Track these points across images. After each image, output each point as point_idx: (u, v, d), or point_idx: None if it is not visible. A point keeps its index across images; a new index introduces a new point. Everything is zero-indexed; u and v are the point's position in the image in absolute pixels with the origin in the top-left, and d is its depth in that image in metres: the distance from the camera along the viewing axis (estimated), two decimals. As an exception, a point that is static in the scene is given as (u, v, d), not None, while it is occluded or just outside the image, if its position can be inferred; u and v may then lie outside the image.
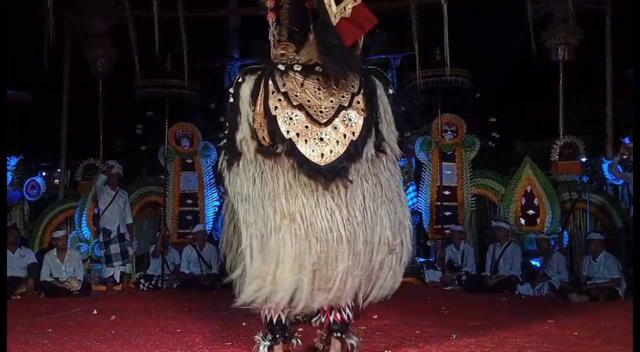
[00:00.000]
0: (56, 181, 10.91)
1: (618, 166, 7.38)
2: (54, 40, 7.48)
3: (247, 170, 3.25)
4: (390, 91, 3.37)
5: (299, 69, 3.27)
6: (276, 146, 3.17)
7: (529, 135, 10.89)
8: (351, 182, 3.16)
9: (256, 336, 3.45)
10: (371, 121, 3.24)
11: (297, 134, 3.15)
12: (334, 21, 3.10)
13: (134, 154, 10.09)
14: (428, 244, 9.51)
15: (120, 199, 8.45)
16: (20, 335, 4.53)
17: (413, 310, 5.79)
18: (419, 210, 9.40)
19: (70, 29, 9.29)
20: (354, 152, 3.17)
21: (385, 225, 3.22)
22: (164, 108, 9.01)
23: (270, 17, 3.43)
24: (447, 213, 9.05)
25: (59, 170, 10.51)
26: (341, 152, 3.15)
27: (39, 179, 9.59)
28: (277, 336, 3.38)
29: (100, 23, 9.17)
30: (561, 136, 8.88)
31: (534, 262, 8.09)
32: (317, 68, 3.27)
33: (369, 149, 3.23)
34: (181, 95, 8.79)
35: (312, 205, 3.11)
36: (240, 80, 3.31)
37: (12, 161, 9.11)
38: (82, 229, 8.99)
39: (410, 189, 9.65)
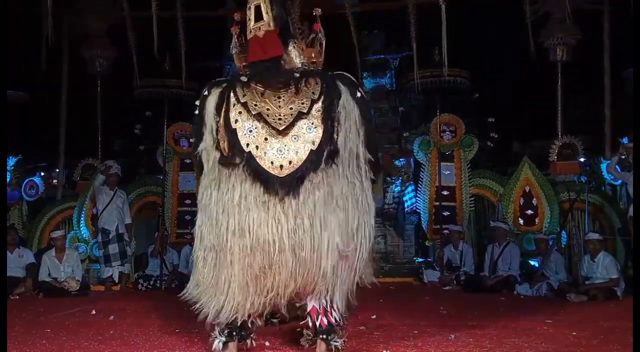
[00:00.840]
0: (54, 181, 10.89)
1: (617, 166, 7.38)
2: (52, 40, 7.47)
3: (206, 180, 3.37)
4: (358, 94, 3.37)
5: (257, 80, 3.31)
6: (235, 158, 3.23)
7: (528, 135, 10.89)
8: (305, 192, 3.20)
9: (213, 331, 3.52)
10: (330, 129, 3.25)
11: (257, 147, 3.22)
12: (248, 36, 3.19)
13: (133, 154, 10.08)
14: (427, 244, 9.52)
15: (118, 199, 8.45)
16: (19, 335, 4.53)
17: (412, 310, 5.80)
18: (418, 210, 9.40)
19: (68, 28, 9.27)
20: (313, 161, 3.22)
21: (334, 231, 3.25)
22: (163, 108, 9.01)
23: (234, 30, 3.49)
24: (445, 213, 9.05)
25: (57, 170, 10.49)
26: (300, 163, 3.20)
27: (37, 179, 9.57)
28: (234, 333, 3.47)
29: (98, 23, 9.16)
30: (559, 136, 8.89)
31: (532, 263, 8.10)
32: (283, 75, 3.31)
33: (328, 157, 3.25)
34: (180, 95, 8.79)
35: (261, 217, 3.20)
36: (206, 93, 3.39)
37: (10, 161, 9.09)
38: (81, 229, 8.99)
39: (409, 189, 9.66)
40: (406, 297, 7.11)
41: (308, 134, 3.23)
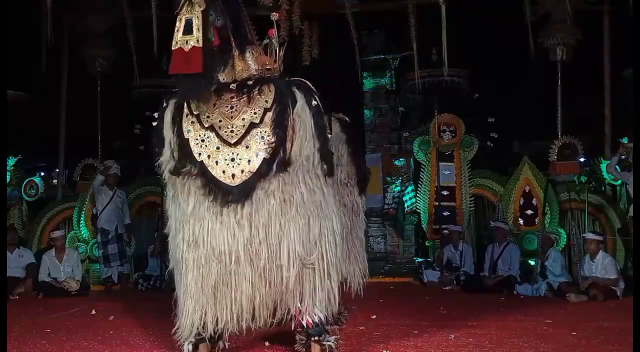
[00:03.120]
0: (54, 181, 10.89)
1: (616, 166, 7.38)
2: (52, 40, 7.49)
3: (168, 191, 3.42)
4: (314, 102, 3.32)
5: (212, 89, 3.27)
6: (188, 168, 3.23)
7: (528, 135, 10.90)
8: (258, 201, 3.19)
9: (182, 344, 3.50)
10: (283, 136, 3.21)
11: (209, 156, 3.21)
12: (173, 46, 3.15)
13: (133, 154, 10.07)
14: (427, 244, 9.52)
15: (118, 199, 8.45)
16: (19, 335, 4.53)
17: (412, 310, 5.80)
18: (418, 210, 9.41)
19: (68, 28, 9.27)
20: (266, 170, 3.19)
21: (294, 240, 3.22)
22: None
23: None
24: (445, 213, 9.05)
25: (57, 170, 10.50)
26: (253, 171, 3.18)
27: (37, 179, 9.57)
28: (204, 335, 3.43)
29: (98, 23, 9.16)
30: (559, 136, 8.90)
31: (532, 263, 8.10)
32: (231, 86, 3.28)
33: (282, 165, 3.22)
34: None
35: (215, 228, 3.19)
36: (164, 105, 3.39)
37: (10, 161, 9.09)
38: (81, 229, 8.99)
39: (409, 189, 9.66)
40: (406, 297, 7.12)
41: (260, 143, 3.21)
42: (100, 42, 9.25)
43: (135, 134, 9.49)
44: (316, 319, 3.34)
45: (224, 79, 3.32)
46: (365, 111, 10.69)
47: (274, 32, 3.47)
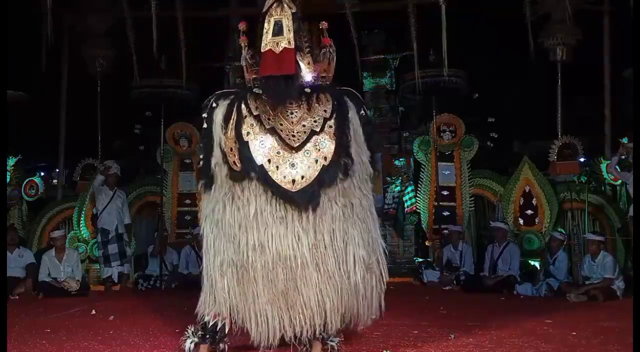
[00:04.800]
0: (54, 181, 10.89)
1: (616, 166, 7.39)
2: (52, 40, 7.48)
3: (218, 194, 3.32)
4: (363, 112, 3.41)
5: (266, 94, 3.28)
6: (248, 172, 3.21)
7: (528, 135, 10.90)
8: (321, 207, 3.21)
9: (187, 330, 3.51)
10: (343, 145, 3.27)
11: (269, 161, 3.21)
12: (263, 48, 3.16)
13: (133, 154, 10.07)
14: (427, 244, 9.52)
15: (118, 199, 8.44)
16: (19, 335, 4.53)
17: (411, 310, 5.79)
18: (418, 210, 9.41)
19: (68, 28, 9.27)
20: (325, 177, 3.23)
21: (359, 244, 3.27)
22: (161, 108, 9.00)
23: (243, 41, 3.46)
24: (445, 213, 9.05)
25: (57, 170, 10.50)
26: (313, 178, 3.21)
27: (37, 179, 9.57)
28: (207, 336, 3.43)
29: (98, 23, 9.16)
30: (559, 136, 8.90)
31: (532, 262, 8.10)
32: (294, 94, 3.31)
33: (340, 173, 3.27)
34: (177, 95, 8.76)
35: (280, 233, 3.19)
36: (214, 105, 3.36)
37: (10, 161, 9.09)
38: (81, 229, 8.99)
39: (409, 189, 9.66)
40: (406, 297, 7.11)
41: (321, 150, 3.25)
42: (100, 42, 9.25)
43: (135, 134, 9.50)
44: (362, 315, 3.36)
45: None
46: (365, 111, 10.68)
47: (329, 40, 3.51)
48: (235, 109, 3.29)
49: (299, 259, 3.17)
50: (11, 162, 9.09)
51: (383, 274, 3.42)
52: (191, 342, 3.45)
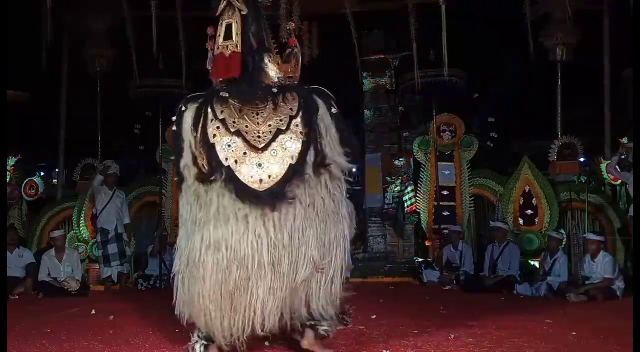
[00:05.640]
0: (54, 181, 10.89)
1: (616, 166, 7.39)
2: (52, 40, 7.48)
3: (186, 195, 3.37)
4: (334, 110, 3.39)
5: (235, 97, 3.31)
6: (214, 174, 3.23)
7: (528, 135, 10.89)
8: (286, 207, 3.21)
9: (193, 335, 3.51)
10: (310, 143, 3.27)
11: (236, 161, 3.22)
12: (215, 51, 3.21)
13: (133, 154, 10.07)
14: (427, 244, 9.53)
15: (117, 199, 8.44)
16: (19, 335, 4.53)
17: (411, 310, 5.79)
18: (418, 210, 9.41)
19: (68, 28, 9.27)
20: (292, 176, 3.23)
21: (312, 245, 3.26)
22: (160, 108, 9.01)
23: (209, 45, 3.49)
24: (445, 213, 9.06)
25: (57, 170, 10.50)
26: (280, 177, 3.21)
27: (37, 179, 9.57)
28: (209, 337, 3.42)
29: (98, 23, 9.16)
30: (559, 136, 8.90)
31: (532, 263, 8.10)
32: (259, 93, 3.32)
33: (308, 172, 3.26)
34: (176, 95, 8.74)
35: (240, 231, 3.19)
36: (183, 109, 3.39)
37: (10, 161, 9.09)
38: (81, 229, 8.99)
39: (409, 189, 9.66)
40: (406, 297, 7.12)
41: (288, 149, 3.25)
42: (100, 42, 9.25)
43: (135, 134, 9.50)
44: (315, 313, 3.35)
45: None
46: (365, 111, 10.69)
47: (295, 41, 3.51)
48: (202, 113, 3.32)
49: (257, 258, 3.18)
50: (11, 162, 9.09)
51: (338, 273, 3.39)
52: (201, 346, 3.44)
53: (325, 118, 3.35)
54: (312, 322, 3.38)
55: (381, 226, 10.31)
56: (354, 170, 12.03)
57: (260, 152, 3.23)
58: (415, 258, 9.75)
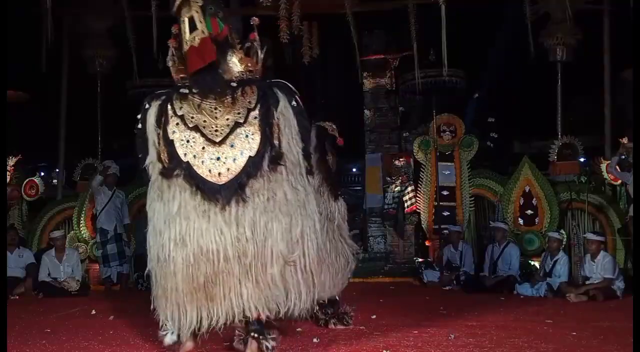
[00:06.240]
0: (54, 180, 10.89)
1: (616, 166, 7.39)
2: (52, 40, 7.48)
3: (151, 192, 3.41)
4: (294, 103, 3.36)
5: (196, 91, 3.32)
6: (174, 169, 3.25)
7: (528, 135, 10.91)
8: (245, 199, 3.20)
9: (163, 327, 3.49)
10: (267, 136, 3.26)
11: (194, 156, 3.23)
12: (185, 47, 3.23)
13: (133, 154, 10.04)
14: (427, 244, 9.52)
15: (117, 199, 8.44)
16: (19, 335, 4.53)
17: (411, 310, 5.79)
18: (418, 210, 9.41)
19: (68, 28, 9.27)
20: (251, 168, 3.22)
21: (277, 238, 3.24)
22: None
23: (171, 43, 3.54)
24: (445, 213, 9.06)
25: (57, 170, 10.50)
26: (238, 170, 3.21)
27: (37, 179, 9.57)
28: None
29: (98, 23, 9.16)
30: (559, 136, 8.90)
31: (532, 263, 8.10)
32: (218, 87, 3.32)
33: (266, 164, 3.25)
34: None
35: (203, 227, 3.21)
36: (146, 106, 3.45)
37: (10, 161, 9.09)
38: (81, 229, 8.99)
39: (409, 189, 9.66)
40: (406, 297, 7.11)
41: (245, 142, 3.25)
42: (100, 42, 9.24)
43: (135, 134, 9.49)
44: (262, 317, 3.33)
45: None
46: (365, 111, 10.69)
47: (255, 35, 3.50)
48: (163, 110, 3.36)
49: (221, 253, 3.18)
50: (11, 162, 9.09)
51: (311, 268, 3.39)
52: (173, 335, 3.45)
53: (285, 111, 3.33)
54: (258, 335, 3.36)
55: (381, 226, 10.31)
56: (354, 170, 12.04)
57: (218, 145, 3.23)
58: (415, 258, 9.75)
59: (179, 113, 3.31)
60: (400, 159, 10.12)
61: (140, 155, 3.46)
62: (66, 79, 9.72)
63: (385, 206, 10.09)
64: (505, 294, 7.31)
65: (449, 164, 9.25)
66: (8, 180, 8.80)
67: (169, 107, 3.34)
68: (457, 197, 9.17)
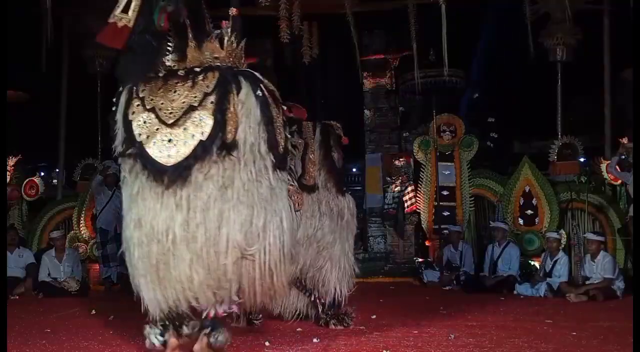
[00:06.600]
0: (54, 180, 10.89)
1: (616, 167, 7.39)
2: (52, 39, 7.47)
3: (122, 175, 3.45)
4: (259, 93, 3.31)
5: (161, 74, 3.33)
6: (129, 149, 3.27)
7: (528, 135, 10.91)
8: (191, 182, 3.18)
9: (145, 328, 3.51)
10: (222, 121, 3.21)
11: (147, 137, 3.23)
12: (110, 19, 3.27)
13: (133, 154, 10.04)
14: (427, 244, 9.53)
15: (117, 199, 8.41)
16: (19, 335, 4.53)
17: (411, 310, 5.79)
18: (418, 210, 9.42)
19: (68, 28, 9.27)
20: (201, 152, 3.18)
21: (234, 228, 3.19)
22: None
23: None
24: (445, 213, 9.06)
25: (57, 170, 10.50)
26: (188, 153, 3.18)
27: (37, 179, 9.57)
28: (167, 323, 3.43)
29: (98, 23, 9.13)
30: (559, 136, 8.91)
31: (532, 263, 8.10)
32: (179, 72, 3.32)
33: (220, 150, 3.20)
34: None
35: (156, 208, 3.21)
36: (120, 90, 3.43)
37: (10, 161, 9.09)
38: (81, 229, 8.98)
39: (409, 189, 9.67)
40: (406, 297, 7.12)
41: (198, 126, 3.21)
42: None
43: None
44: (219, 313, 3.30)
45: (175, 66, 3.35)
46: (365, 111, 10.70)
47: (225, 23, 3.50)
48: (130, 92, 3.38)
49: (170, 235, 3.18)
50: (11, 162, 9.09)
51: (273, 265, 3.31)
52: (155, 336, 3.47)
53: (247, 100, 3.28)
54: (208, 332, 3.32)
55: (381, 226, 10.32)
56: (354, 170, 12.01)
57: (170, 127, 3.22)
58: (415, 258, 9.76)
59: (141, 95, 3.32)
60: (400, 159, 10.13)
61: (115, 138, 3.47)
62: (66, 79, 9.72)
63: (385, 206, 10.10)
64: (505, 294, 7.31)
65: (449, 164, 9.26)
66: (8, 180, 8.81)
67: (134, 89, 3.36)
68: (457, 197, 9.17)
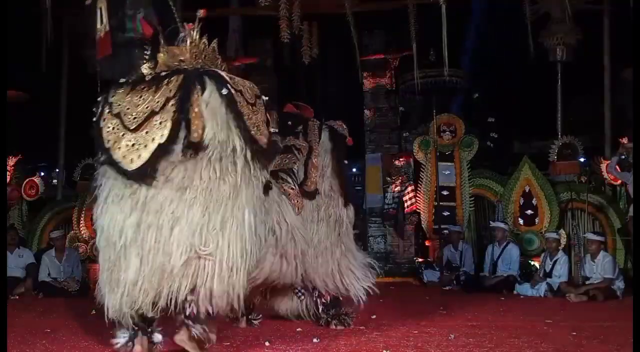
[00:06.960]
0: (54, 180, 10.89)
1: (616, 167, 7.39)
2: (52, 39, 7.47)
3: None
4: (225, 91, 3.28)
5: (130, 80, 3.38)
6: (99, 154, 3.35)
7: (528, 135, 10.91)
8: (148, 184, 3.21)
9: (116, 335, 3.55)
10: (180, 123, 3.20)
11: (114, 142, 3.28)
12: (100, 33, 3.32)
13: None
14: (427, 244, 9.53)
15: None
16: (19, 335, 4.52)
17: (411, 310, 5.79)
18: (418, 210, 9.42)
19: (68, 28, 9.27)
20: (160, 155, 3.20)
21: (190, 228, 3.20)
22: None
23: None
24: (445, 213, 9.06)
25: (57, 170, 10.50)
26: (148, 156, 3.21)
27: (37, 179, 9.57)
28: (136, 328, 3.47)
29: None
30: (559, 136, 8.91)
31: (532, 263, 8.10)
32: (146, 77, 3.37)
33: (179, 151, 3.20)
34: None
35: (115, 211, 3.29)
36: (100, 98, 3.49)
37: (10, 161, 9.09)
38: (81, 229, 8.98)
39: (408, 189, 9.68)
40: (406, 297, 7.12)
41: (159, 129, 3.23)
42: (101, 42, 9.23)
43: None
44: (202, 310, 3.28)
45: (151, 74, 3.38)
46: (365, 111, 10.70)
47: (191, 26, 3.50)
48: (104, 99, 3.44)
49: (122, 238, 3.23)
50: (11, 162, 9.09)
51: (234, 264, 3.26)
52: (124, 340, 3.50)
53: (212, 100, 3.25)
54: (187, 322, 3.33)
55: (381, 226, 10.32)
56: (354, 170, 12.04)
57: (134, 132, 3.26)
58: (415, 258, 9.76)
59: (110, 100, 3.38)
60: (400, 159, 10.14)
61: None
62: (66, 79, 9.72)
63: (385, 206, 10.11)
64: (505, 294, 7.32)
65: (449, 164, 9.26)
66: (8, 180, 8.81)
67: (106, 96, 3.43)
68: (457, 197, 9.18)
